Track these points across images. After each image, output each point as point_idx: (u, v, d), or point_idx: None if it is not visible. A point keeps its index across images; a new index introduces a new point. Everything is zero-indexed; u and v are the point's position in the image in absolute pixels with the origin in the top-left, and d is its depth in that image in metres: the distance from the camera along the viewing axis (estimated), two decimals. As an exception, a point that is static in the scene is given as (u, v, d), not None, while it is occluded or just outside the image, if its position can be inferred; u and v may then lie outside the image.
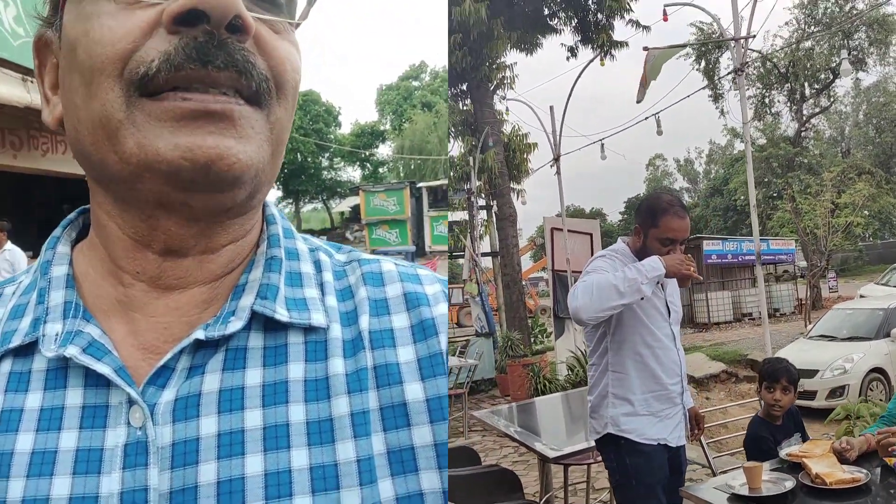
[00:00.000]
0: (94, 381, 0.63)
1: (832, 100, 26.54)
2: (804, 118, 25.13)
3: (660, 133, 11.55)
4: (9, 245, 6.54)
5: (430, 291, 0.73)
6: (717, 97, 24.92)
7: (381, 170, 42.04)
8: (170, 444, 0.61)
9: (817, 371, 8.69)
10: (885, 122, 29.89)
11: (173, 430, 0.61)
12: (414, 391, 0.66)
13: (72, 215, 0.76)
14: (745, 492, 2.52)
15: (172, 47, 0.58)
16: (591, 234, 10.75)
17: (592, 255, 10.72)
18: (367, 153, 40.77)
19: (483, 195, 12.48)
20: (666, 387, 2.77)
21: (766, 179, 24.46)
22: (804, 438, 3.27)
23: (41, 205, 10.94)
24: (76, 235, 0.75)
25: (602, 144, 12.75)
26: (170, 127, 0.58)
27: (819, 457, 2.75)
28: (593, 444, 2.97)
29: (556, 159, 10.10)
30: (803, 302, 18.79)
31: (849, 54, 22.49)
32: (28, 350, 0.66)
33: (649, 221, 2.75)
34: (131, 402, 0.62)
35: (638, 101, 8.50)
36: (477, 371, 8.72)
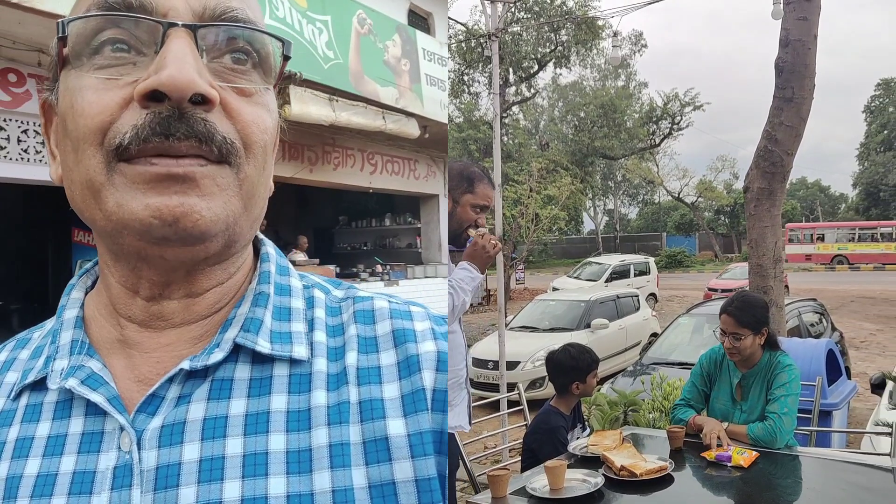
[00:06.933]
0: (94, 410, 0.76)
1: (534, 91, 29.41)
2: (507, 104, 27.34)
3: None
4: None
5: (419, 328, 0.81)
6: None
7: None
8: (154, 468, 0.72)
9: (518, 363, 9.23)
10: (580, 122, 33.92)
11: (158, 455, 0.72)
12: (396, 427, 0.74)
13: (88, 265, 0.89)
14: (548, 493, 2.51)
15: (141, 121, 0.69)
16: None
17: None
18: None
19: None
20: (456, 373, 2.99)
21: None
22: (583, 428, 3.43)
23: (316, 216, 13.79)
24: (91, 283, 0.88)
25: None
26: (142, 189, 0.69)
27: (615, 448, 2.86)
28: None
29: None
30: (492, 293, 20.48)
31: (554, 48, 25.02)
32: (41, 385, 0.80)
33: (464, 187, 3.17)
34: (123, 428, 0.73)
35: None
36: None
